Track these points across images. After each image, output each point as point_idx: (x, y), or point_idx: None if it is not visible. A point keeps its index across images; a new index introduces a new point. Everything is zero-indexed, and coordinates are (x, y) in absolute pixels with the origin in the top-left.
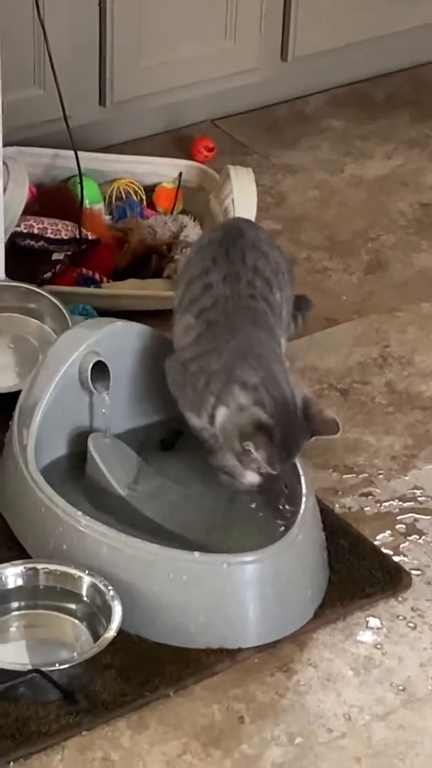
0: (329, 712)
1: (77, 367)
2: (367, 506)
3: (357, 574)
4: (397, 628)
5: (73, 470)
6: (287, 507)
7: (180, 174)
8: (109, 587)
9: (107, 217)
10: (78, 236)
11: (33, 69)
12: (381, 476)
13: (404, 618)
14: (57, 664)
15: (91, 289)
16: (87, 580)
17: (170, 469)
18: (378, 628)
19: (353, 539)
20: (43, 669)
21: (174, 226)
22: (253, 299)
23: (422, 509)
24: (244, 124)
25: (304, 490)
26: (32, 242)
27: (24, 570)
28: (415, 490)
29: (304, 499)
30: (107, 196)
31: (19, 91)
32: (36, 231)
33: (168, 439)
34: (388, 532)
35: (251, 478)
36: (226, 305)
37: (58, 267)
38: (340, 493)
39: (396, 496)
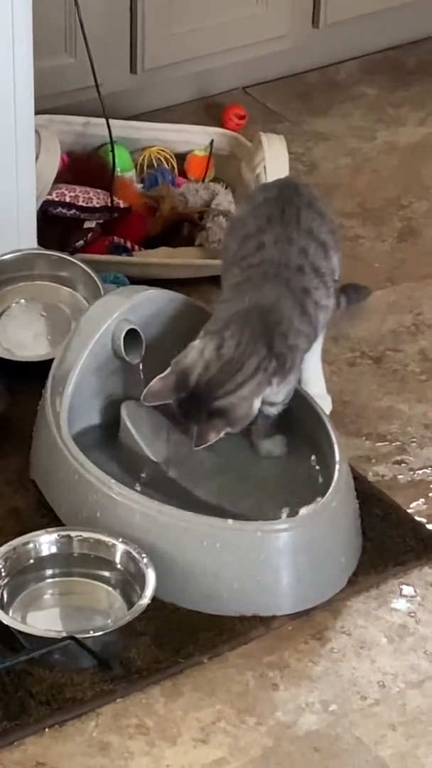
0: (363, 680)
1: (110, 335)
2: (400, 474)
3: (390, 542)
4: (431, 596)
5: (106, 438)
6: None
7: (211, 142)
8: (143, 555)
9: (139, 185)
10: (110, 204)
11: (64, 37)
12: (414, 444)
13: None
14: (91, 632)
15: (123, 257)
16: (120, 547)
17: None
18: (412, 596)
19: (386, 507)
20: (78, 636)
21: (206, 194)
22: (300, 272)
23: None
24: (276, 91)
25: (337, 458)
26: (64, 210)
27: (58, 537)
28: None
29: (337, 466)
30: (138, 164)
31: (50, 59)
32: (68, 199)
33: None
34: (422, 500)
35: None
36: (269, 269)
37: (89, 235)
38: (374, 461)
39: (429, 464)
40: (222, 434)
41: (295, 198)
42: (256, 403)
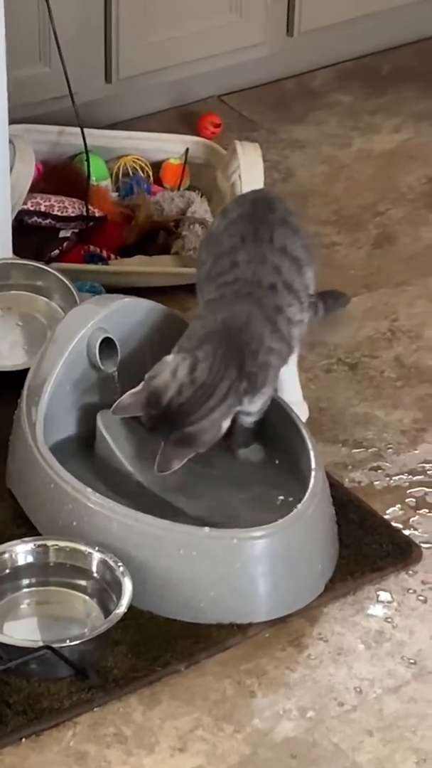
0: (340, 686)
1: (85, 344)
2: (376, 480)
3: (367, 548)
4: (408, 602)
5: (82, 447)
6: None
7: (187, 150)
8: (119, 563)
9: (114, 194)
10: (85, 213)
11: (38, 46)
12: (390, 450)
13: (414, 591)
14: (68, 641)
15: (99, 266)
16: (97, 556)
17: None
18: (388, 602)
19: (363, 513)
20: (55, 645)
21: (181, 203)
22: (272, 290)
23: None
24: (251, 99)
25: (313, 465)
26: (39, 220)
27: (34, 547)
28: (425, 464)
29: (313, 473)
30: (114, 173)
31: (24, 68)
32: (43, 208)
33: None
34: (398, 505)
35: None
36: (242, 288)
37: (65, 244)
38: (350, 467)
39: (405, 470)
40: (186, 459)
41: (269, 215)
42: (225, 424)
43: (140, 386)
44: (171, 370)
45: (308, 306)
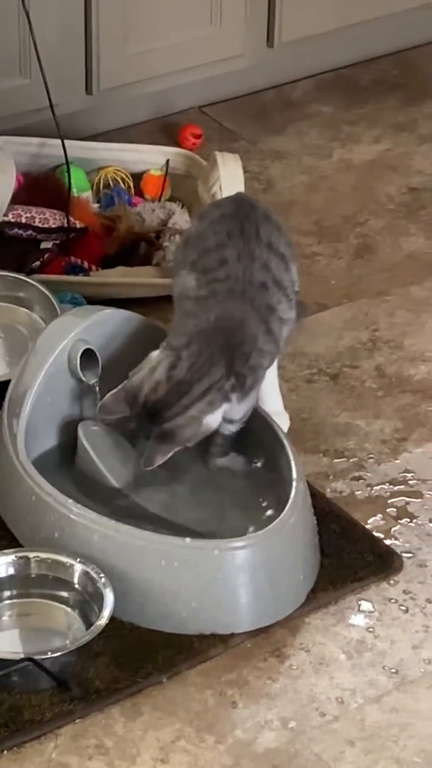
0: (322, 696)
1: (66, 355)
2: (358, 490)
3: (348, 558)
4: (389, 611)
5: (64, 459)
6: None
7: (167, 161)
8: (101, 575)
9: (95, 205)
10: (66, 224)
11: (18, 58)
12: (372, 460)
13: (396, 601)
14: (49, 653)
15: (80, 278)
16: (78, 567)
17: None
18: (370, 612)
19: (344, 523)
20: (36, 657)
21: (162, 214)
22: (263, 288)
23: (413, 492)
24: (232, 110)
25: (294, 475)
26: (20, 231)
27: (15, 559)
28: (406, 474)
29: (294, 483)
30: (95, 184)
31: (4, 80)
32: (24, 220)
33: None
34: (380, 515)
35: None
36: (235, 287)
37: (46, 256)
38: (331, 477)
39: (387, 479)
40: (170, 454)
41: (252, 213)
42: (211, 419)
43: (121, 385)
44: (150, 368)
45: (295, 304)
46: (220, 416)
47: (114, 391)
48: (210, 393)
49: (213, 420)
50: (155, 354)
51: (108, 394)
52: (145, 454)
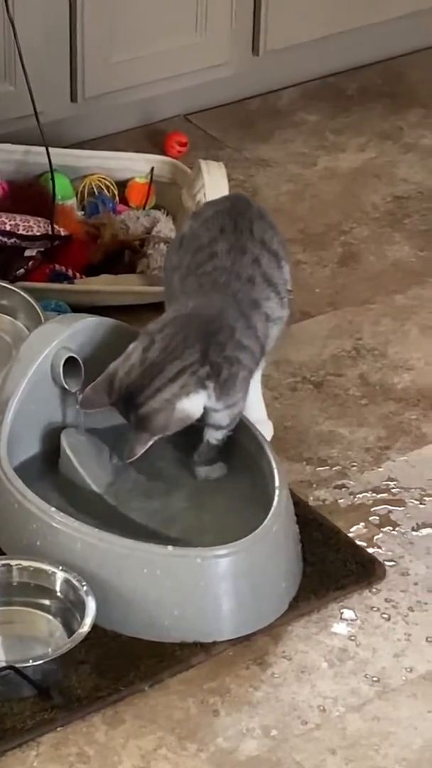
0: (304, 704)
1: (49, 363)
2: (341, 498)
3: (331, 566)
4: (371, 620)
5: (47, 467)
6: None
7: (152, 169)
8: (83, 582)
9: (80, 213)
10: (50, 232)
11: (3, 65)
12: (355, 468)
13: (378, 609)
14: (31, 661)
15: (64, 285)
16: (60, 575)
17: (144, 464)
18: (352, 620)
19: (327, 531)
20: (17, 665)
21: (147, 221)
22: (250, 283)
23: (396, 501)
24: (217, 118)
25: (277, 483)
26: (4, 239)
27: None
28: (389, 482)
29: (277, 491)
30: (79, 192)
31: None
32: (8, 227)
33: None
34: (362, 523)
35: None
36: (219, 278)
37: (30, 263)
38: (314, 485)
39: (370, 488)
40: (150, 443)
41: (247, 210)
42: (188, 405)
43: (101, 376)
44: (126, 354)
45: (288, 303)
46: (199, 406)
47: (94, 382)
48: (183, 375)
49: (190, 407)
50: (133, 343)
51: (89, 386)
52: (126, 447)
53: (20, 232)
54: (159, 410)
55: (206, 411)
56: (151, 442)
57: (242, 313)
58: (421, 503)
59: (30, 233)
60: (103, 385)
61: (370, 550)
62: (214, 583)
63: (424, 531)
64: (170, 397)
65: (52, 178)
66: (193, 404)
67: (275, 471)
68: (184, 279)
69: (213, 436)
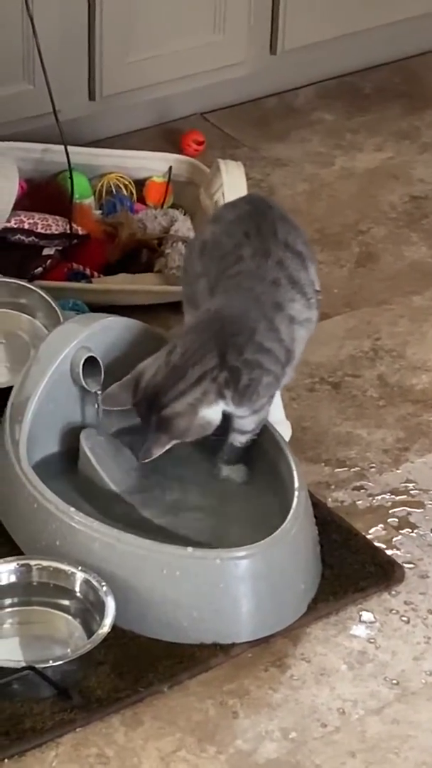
0: (323, 707)
1: (69, 363)
2: (359, 500)
3: (350, 568)
4: (391, 622)
5: (66, 466)
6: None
7: (170, 168)
8: (102, 583)
9: (97, 212)
10: (68, 231)
11: (22, 64)
12: (373, 470)
13: (397, 612)
14: (51, 661)
15: (82, 284)
16: (80, 576)
17: (163, 465)
18: (371, 622)
19: (346, 533)
20: (37, 666)
21: (164, 221)
22: (275, 285)
23: (414, 502)
24: (234, 117)
25: (296, 484)
26: (22, 237)
27: (17, 566)
28: (408, 484)
29: (296, 493)
30: (97, 191)
31: (8, 86)
32: (26, 226)
33: None
34: (381, 525)
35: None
36: (243, 282)
37: (48, 262)
38: (333, 486)
39: (388, 489)
40: (168, 446)
41: (269, 212)
42: (209, 413)
43: (128, 375)
44: (155, 356)
45: (317, 304)
46: (219, 415)
47: (120, 381)
48: (204, 381)
49: (210, 415)
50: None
51: (114, 384)
52: (144, 446)
53: (38, 230)
54: (182, 414)
55: (230, 415)
56: (168, 446)
57: (264, 314)
58: None
59: (48, 232)
60: (128, 385)
61: (388, 552)
62: (233, 585)
63: None
64: (194, 402)
65: (71, 177)
66: (213, 414)
67: (294, 473)
68: (214, 287)
69: (237, 440)
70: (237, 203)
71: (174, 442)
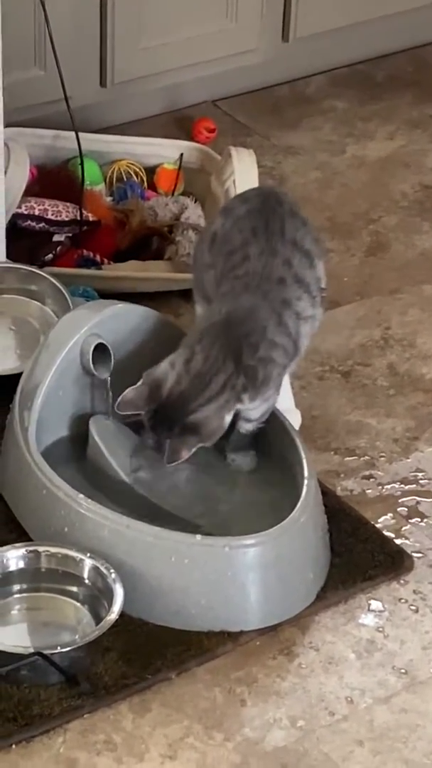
0: (331, 695)
1: (78, 350)
2: (368, 489)
3: (359, 556)
4: (399, 611)
5: (75, 453)
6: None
7: (181, 155)
8: (111, 570)
9: (108, 199)
10: (79, 218)
11: (34, 50)
12: (383, 459)
13: (406, 601)
14: (59, 647)
15: (92, 271)
16: (88, 562)
17: None
18: (380, 611)
19: (355, 522)
20: (45, 652)
21: (175, 208)
22: (281, 284)
23: (424, 492)
24: (245, 104)
25: (305, 473)
26: (33, 223)
27: (25, 553)
28: (417, 473)
29: (305, 481)
30: (108, 178)
31: (19, 72)
32: (37, 212)
33: None
34: (390, 514)
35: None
36: (251, 281)
37: (59, 248)
38: (342, 475)
39: (398, 478)
40: (194, 450)
41: (278, 208)
42: (227, 418)
43: (140, 382)
44: (169, 363)
45: (321, 301)
46: (230, 417)
47: (135, 386)
48: (226, 389)
49: (229, 418)
50: (172, 355)
51: (129, 389)
52: (169, 450)
53: (49, 217)
54: (211, 418)
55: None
56: (194, 449)
57: (273, 311)
58: None
59: (58, 218)
60: (145, 391)
61: (398, 542)
62: (241, 573)
63: None
64: (219, 407)
65: (81, 163)
66: (230, 417)
67: (304, 461)
68: (220, 282)
69: (244, 427)
70: (249, 197)
71: (201, 444)
